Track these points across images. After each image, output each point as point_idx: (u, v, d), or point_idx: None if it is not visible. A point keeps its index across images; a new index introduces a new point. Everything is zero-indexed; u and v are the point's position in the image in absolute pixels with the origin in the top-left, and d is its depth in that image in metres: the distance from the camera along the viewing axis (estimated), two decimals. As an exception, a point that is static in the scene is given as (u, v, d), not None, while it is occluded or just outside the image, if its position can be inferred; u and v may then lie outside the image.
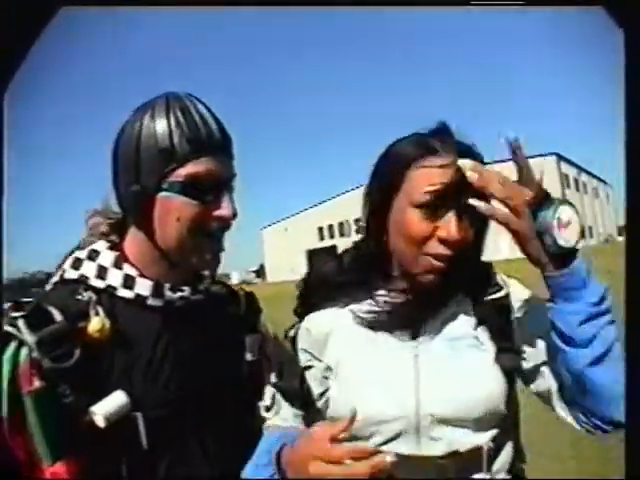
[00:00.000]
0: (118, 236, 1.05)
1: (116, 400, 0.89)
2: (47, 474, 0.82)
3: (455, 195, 0.88)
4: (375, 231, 1.01)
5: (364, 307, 1.01)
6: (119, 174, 0.97)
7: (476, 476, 0.91)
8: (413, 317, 0.99)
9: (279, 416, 1.07)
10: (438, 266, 0.92)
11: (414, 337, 0.98)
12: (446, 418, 0.91)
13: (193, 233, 0.95)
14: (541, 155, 40.83)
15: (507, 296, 1.01)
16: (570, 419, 0.95)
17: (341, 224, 53.55)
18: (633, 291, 0.85)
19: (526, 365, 0.98)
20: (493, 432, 0.93)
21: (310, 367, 1.04)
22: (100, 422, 0.86)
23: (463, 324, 0.99)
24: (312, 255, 54.66)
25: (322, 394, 1.02)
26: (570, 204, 0.84)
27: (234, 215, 0.98)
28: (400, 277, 1.01)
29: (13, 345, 0.84)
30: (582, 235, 0.84)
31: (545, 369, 0.97)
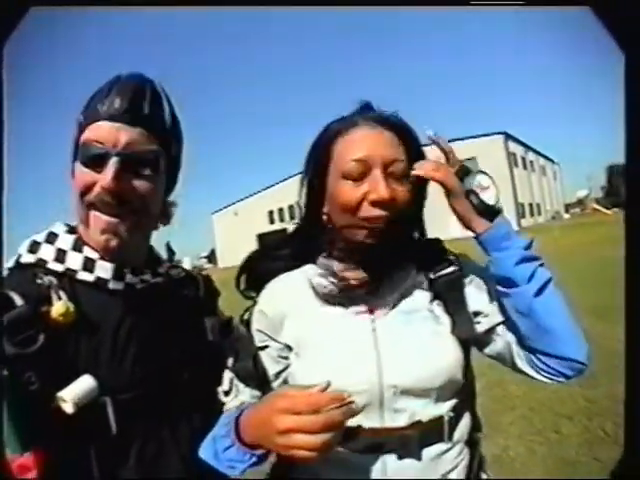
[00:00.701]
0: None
1: (84, 385, 0.87)
2: (14, 467, 0.79)
3: (378, 156, 0.96)
4: (314, 209, 1.06)
5: (321, 281, 1.03)
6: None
7: (437, 446, 0.96)
8: (368, 292, 1.02)
9: (238, 399, 1.08)
10: (376, 227, 0.97)
11: (371, 311, 1.02)
12: (408, 388, 0.94)
13: (82, 205, 0.94)
14: (488, 135, 41.87)
15: (459, 270, 1.06)
16: (530, 371, 1.01)
17: (291, 207, 50.52)
18: (633, 291, 0.87)
19: (481, 329, 1.04)
20: (453, 402, 0.99)
21: (265, 347, 1.06)
22: (68, 408, 0.84)
23: (418, 298, 1.04)
24: (262, 238, 54.25)
25: (278, 374, 1.05)
26: (486, 174, 1.00)
27: (109, 187, 0.91)
28: (346, 249, 1.03)
29: None
30: (498, 199, 0.99)
31: (500, 328, 1.04)
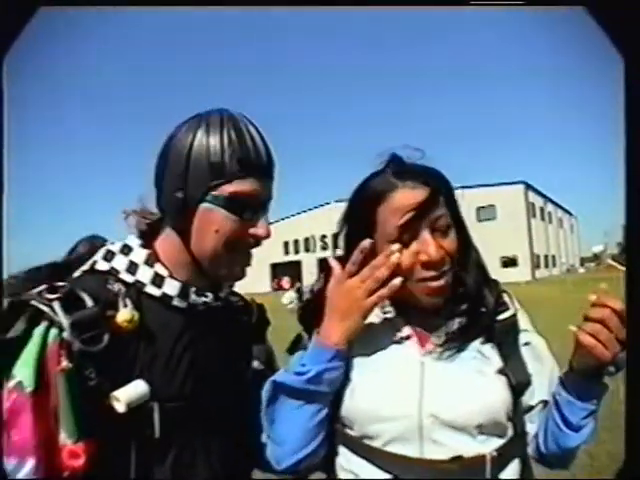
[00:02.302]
0: (151, 235, 1.10)
1: (137, 388, 0.93)
2: (65, 452, 0.85)
3: (423, 218, 0.98)
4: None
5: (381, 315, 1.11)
6: (165, 179, 1.02)
7: None
8: (422, 327, 1.07)
9: None
10: (437, 286, 1.01)
11: (422, 345, 1.05)
12: (447, 421, 0.96)
13: (228, 247, 1.01)
14: (509, 183, 41.77)
15: (514, 316, 1.09)
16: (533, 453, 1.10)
17: (307, 239, 54.08)
18: (633, 295, 0.88)
19: (525, 399, 1.07)
20: (498, 442, 0.99)
21: None
22: (120, 407, 0.90)
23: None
24: (276, 269, 56.06)
25: (336, 394, 1.06)
26: None
27: (268, 235, 1.05)
28: (402, 307, 1.09)
29: (43, 325, 0.88)
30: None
31: (536, 412, 1.09)
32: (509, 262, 40.95)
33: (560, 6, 1.08)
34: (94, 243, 1.14)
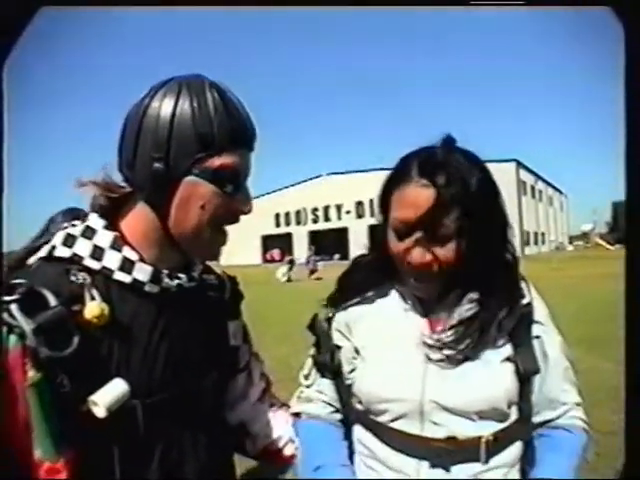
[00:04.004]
0: (115, 211, 0.99)
1: (116, 388, 0.85)
2: (42, 469, 0.78)
3: (422, 220, 0.97)
4: (378, 241, 1.13)
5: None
6: (139, 147, 0.90)
7: (472, 465, 1.00)
8: (431, 311, 1.09)
9: (316, 387, 1.23)
10: (422, 273, 1.02)
11: (432, 328, 1.07)
12: (448, 407, 1.00)
13: (213, 223, 0.94)
14: (501, 160, 41.20)
15: (528, 305, 1.08)
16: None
17: (298, 212, 53.48)
18: (633, 293, 0.87)
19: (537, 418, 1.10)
20: (497, 426, 1.02)
21: (341, 347, 1.17)
22: (100, 412, 0.82)
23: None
24: (267, 241, 55.62)
25: (350, 372, 1.12)
26: None
27: (250, 210, 0.99)
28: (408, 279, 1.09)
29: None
30: None
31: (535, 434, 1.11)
32: (499, 238, 40.91)
33: (561, 6, 1.05)
34: (74, 216, 1.01)
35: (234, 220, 0.99)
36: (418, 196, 0.97)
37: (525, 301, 1.08)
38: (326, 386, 1.21)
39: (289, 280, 24.18)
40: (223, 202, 0.93)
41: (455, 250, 0.99)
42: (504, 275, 1.08)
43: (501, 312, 1.04)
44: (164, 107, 0.89)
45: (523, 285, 1.10)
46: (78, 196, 1.00)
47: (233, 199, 0.95)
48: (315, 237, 50.45)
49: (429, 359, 1.04)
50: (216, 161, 0.90)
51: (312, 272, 26.50)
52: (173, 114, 0.88)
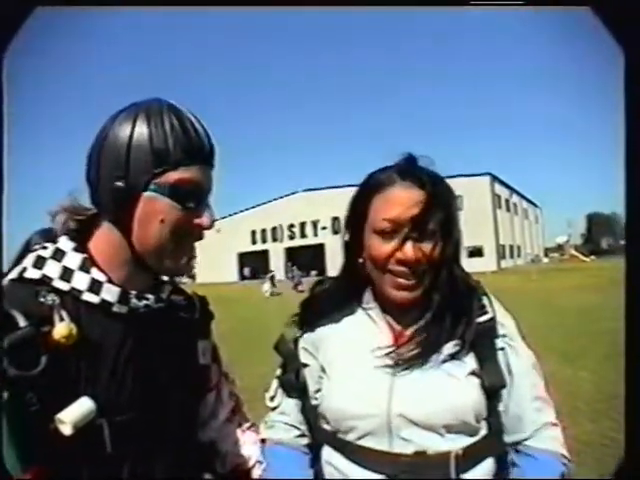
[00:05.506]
0: (84, 234, 1.01)
1: (83, 407, 0.86)
2: None
3: (411, 218, 1.01)
4: (351, 258, 1.16)
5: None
6: (101, 170, 0.94)
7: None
8: (396, 327, 1.12)
9: (281, 408, 1.24)
10: (404, 283, 1.05)
11: (396, 343, 1.08)
12: (415, 420, 1.00)
13: (173, 237, 0.95)
14: (475, 175, 42.36)
15: (491, 320, 1.09)
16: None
17: (274, 229, 53.61)
18: (633, 296, 0.87)
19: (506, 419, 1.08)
20: (468, 440, 1.02)
21: (307, 365, 1.19)
22: (66, 430, 0.83)
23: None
24: (243, 258, 55.80)
25: (317, 391, 1.13)
26: None
27: (211, 226, 1.00)
28: (379, 294, 1.13)
29: None
30: None
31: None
32: (475, 252, 41.89)
33: (561, 6, 1.07)
34: (48, 239, 1.03)
35: (198, 236, 1.00)
36: (404, 196, 1.04)
37: (488, 316, 1.10)
38: (291, 407, 1.22)
39: (272, 295, 25.15)
40: (183, 217, 0.95)
41: (440, 247, 1.04)
42: (460, 287, 1.11)
43: (459, 325, 1.06)
44: (123, 129, 0.93)
45: (486, 301, 1.13)
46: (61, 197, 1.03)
47: (194, 214, 0.97)
48: (292, 253, 50.72)
49: (395, 374, 1.04)
50: (173, 176, 0.93)
51: (296, 285, 27.62)
52: (131, 134, 0.92)
